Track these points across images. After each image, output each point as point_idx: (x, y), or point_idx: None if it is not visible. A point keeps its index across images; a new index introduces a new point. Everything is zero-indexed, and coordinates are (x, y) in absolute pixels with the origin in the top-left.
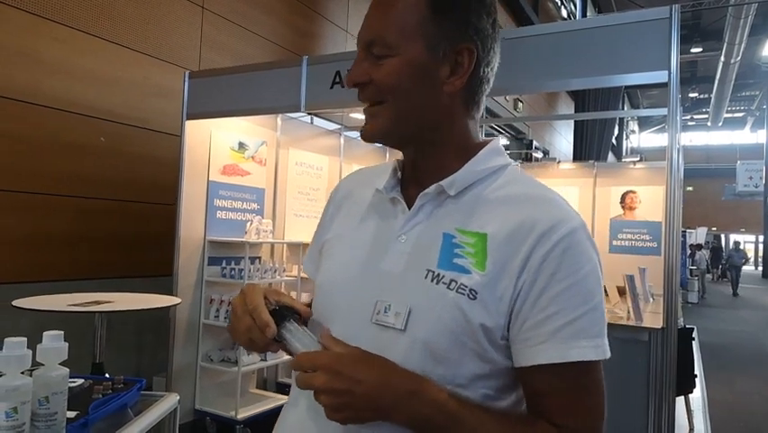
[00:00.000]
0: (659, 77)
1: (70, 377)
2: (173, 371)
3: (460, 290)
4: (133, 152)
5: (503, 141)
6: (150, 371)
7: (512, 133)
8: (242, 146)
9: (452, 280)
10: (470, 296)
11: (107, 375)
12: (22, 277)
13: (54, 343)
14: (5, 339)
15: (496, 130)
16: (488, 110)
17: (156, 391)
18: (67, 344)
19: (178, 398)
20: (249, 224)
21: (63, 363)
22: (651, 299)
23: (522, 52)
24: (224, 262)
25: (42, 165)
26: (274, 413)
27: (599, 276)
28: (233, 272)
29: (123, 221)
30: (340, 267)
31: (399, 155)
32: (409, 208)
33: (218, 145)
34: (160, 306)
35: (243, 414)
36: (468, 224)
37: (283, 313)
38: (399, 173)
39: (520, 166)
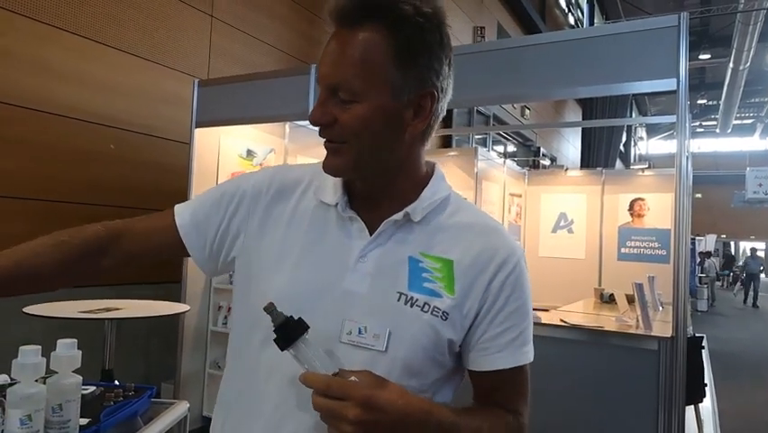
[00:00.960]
0: (668, 84)
1: (88, 384)
2: (181, 377)
3: (434, 313)
4: (143, 160)
5: (510, 147)
6: (158, 377)
7: (519, 140)
8: (250, 154)
9: (425, 303)
10: (443, 317)
11: (117, 382)
12: None
13: (68, 351)
14: (20, 347)
15: (503, 137)
16: (495, 117)
17: (165, 399)
18: (80, 352)
19: (188, 406)
20: None
21: (74, 370)
22: (660, 308)
23: (530, 60)
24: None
25: (52, 172)
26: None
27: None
28: None
29: None
30: (295, 282)
31: None
32: (368, 228)
33: (227, 153)
34: (169, 313)
35: None
36: (430, 248)
37: (303, 325)
38: (343, 188)
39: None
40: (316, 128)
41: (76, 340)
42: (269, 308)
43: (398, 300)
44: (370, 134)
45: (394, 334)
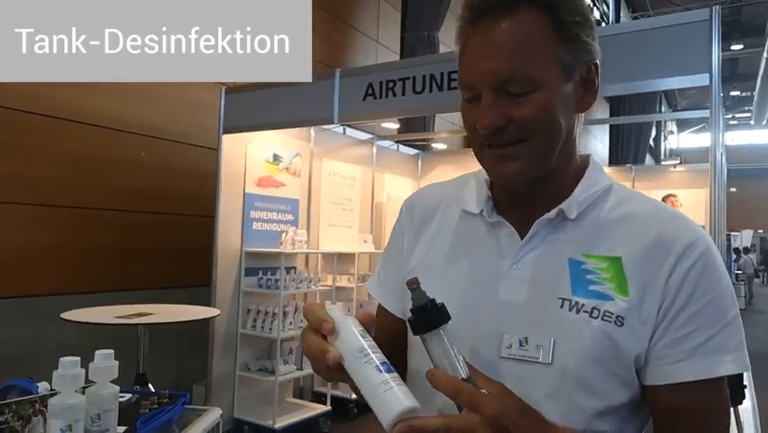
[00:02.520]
0: (700, 80)
1: (126, 392)
2: (212, 380)
3: (605, 318)
4: (173, 166)
5: None
6: (189, 379)
7: None
8: (276, 158)
9: (593, 308)
10: (617, 322)
11: (150, 385)
12: (68, 289)
13: (106, 362)
14: (61, 358)
15: None
16: None
17: (197, 406)
18: (117, 362)
19: (221, 412)
20: (284, 234)
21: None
22: None
23: None
24: (261, 272)
25: (87, 180)
26: (310, 422)
27: (733, 290)
28: (269, 282)
29: (163, 233)
30: (447, 298)
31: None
32: (518, 232)
33: (254, 158)
34: (200, 318)
35: (281, 423)
36: (593, 248)
37: (444, 313)
38: (489, 192)
39: None
40: (341, 130)
41: (113, 351)
42: (413, 284)
43: (562, 307)
44: (554, 123)
45: (559, 343)
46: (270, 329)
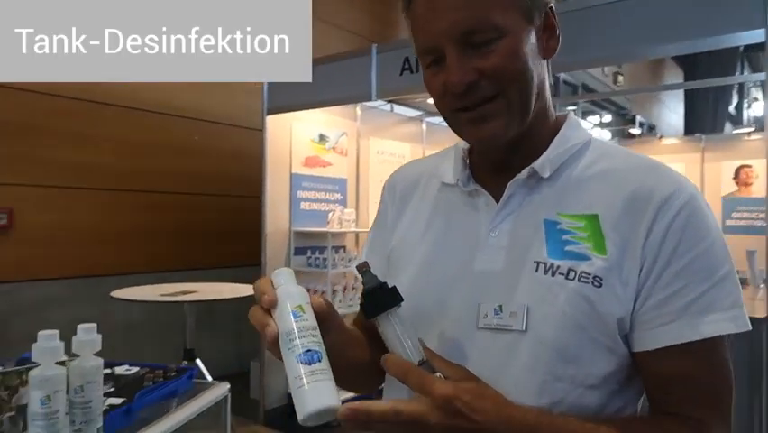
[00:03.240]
0: (755, 36)
1: (136, 365)
2: (266, 356)
3: (582, 279)
4: (222, 149)
5: (606, 118)
6: (248, 356)
7: (613, 109)
8: (322, 138)
9: (569, 270)
10: (595, 283)
11: (199, 360)
12: (121, 270)
13: (88, 335)
14: (39, 332)
15: (596, 106)
16: (584, 87)
17: (205, 381)
18: (100, 336)
19: (229, 386)
20: (331, 214)
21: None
22: (761, 285)
23: (609, 20)
24: (309, 251)
25: (142, 165)
26: (362, 397)
27: (725, 244)
28: (317, 262)
29: (215, 214)
30: (424, 272)
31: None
32: (495, 199)
33: (299, 138)
34: (242, 295)
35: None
36: (569, 207)
37: (396, 296)
38: (467, 161)
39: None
40: (388, 108)
41: (95, 325)
42: (362, 268)
43: (537, 271)
44: (526, 70)
45: (534, 309)
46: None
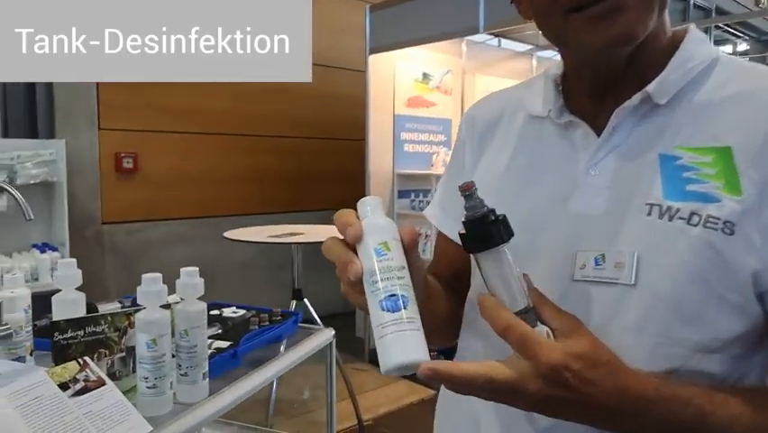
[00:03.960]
0: None
1: (243, 308)
2: None
3: (708, 224)
4: (325, 91)
5: (742, 46)
6: None
7: (752, 35)
8: (426, 77)
9: (692, 213)
10: (726, 230)
11: (306, 300)
12: (235, 211)
13: (191, 279)
14: (143, 275)
15: (731, 33)
16: (717, 10)
17: (314, 326)
18: (202, 279)
19: (333, 332)
20: (435, 156)
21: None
22: None
23: None
24: (413, 194)
25: (253, 110)
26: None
27: None
28: (421, 205)
29: (320, 157)
30: (510, 216)
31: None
32: (595, 131)
33: (402, 78)
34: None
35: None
36: (692, 138)
37: (507, 229)
38: (559, 88)
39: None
40: (495, 42)
41: (197, 268)
42: (467, 189)
43: (649, 215)
44: None
45: (645, 259)
46: (424, 251)
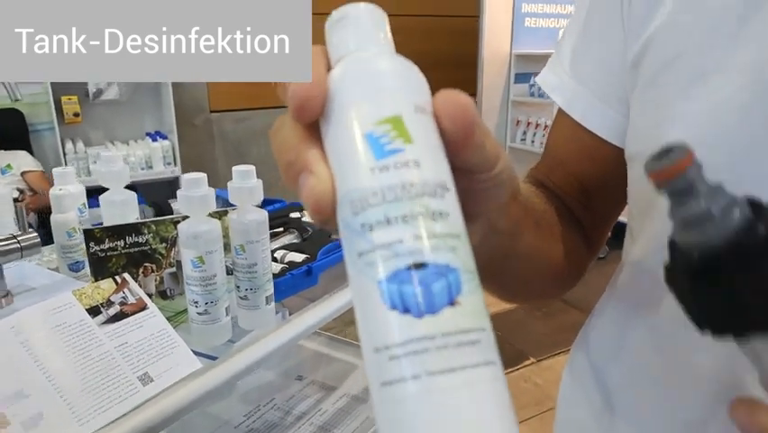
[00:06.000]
0: None
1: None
2: None
3: None
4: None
5: None
6: None
7: None
8: None
9: None
10: None
11: None
12: None
13: (245, 181)
14: (183, 176)
15: None
16: None
17: None
18: (260, 181)
19: None
20: (561, 31)
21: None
22: None
23: None
24: (533, 78)
25: None
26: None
27: None
28: (541, 90)
29: (429, 37)
30: (728, 102)
31: None
32: None
33: None
34: None
35: None
36: None
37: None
38: None
39: None
40: None
41: (253, 167)
42: (678, 172)
43: None
44: None
45: None
46: (542, 143)
